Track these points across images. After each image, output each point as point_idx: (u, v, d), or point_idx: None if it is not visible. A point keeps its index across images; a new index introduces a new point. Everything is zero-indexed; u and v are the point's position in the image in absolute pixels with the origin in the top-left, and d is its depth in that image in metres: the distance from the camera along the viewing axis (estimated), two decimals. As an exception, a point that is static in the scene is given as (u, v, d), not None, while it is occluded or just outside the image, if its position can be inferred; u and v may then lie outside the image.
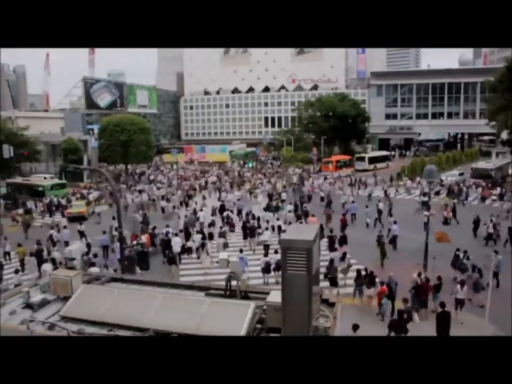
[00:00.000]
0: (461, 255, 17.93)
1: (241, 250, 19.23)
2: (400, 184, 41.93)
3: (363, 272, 16.26)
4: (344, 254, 19.27)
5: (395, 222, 23.08)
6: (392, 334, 12.07)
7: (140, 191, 39.86)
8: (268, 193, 35.94)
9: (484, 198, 35.07)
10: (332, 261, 17.60)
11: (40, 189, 38.13)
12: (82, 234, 24.22)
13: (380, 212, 27.56)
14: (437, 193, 35.95)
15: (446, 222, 26.87)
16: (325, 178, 45.34)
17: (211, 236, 23.24)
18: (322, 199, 34.53)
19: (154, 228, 24.01)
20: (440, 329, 12.52)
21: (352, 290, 16.32)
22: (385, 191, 36.94)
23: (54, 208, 34.38)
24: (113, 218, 23.42)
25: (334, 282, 16.72)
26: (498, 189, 37.39)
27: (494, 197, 36.03)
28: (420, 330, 13.37)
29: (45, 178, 44.15)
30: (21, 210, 33.29)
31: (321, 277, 14.31)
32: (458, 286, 14.78)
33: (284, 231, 20.95)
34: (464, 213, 28.68)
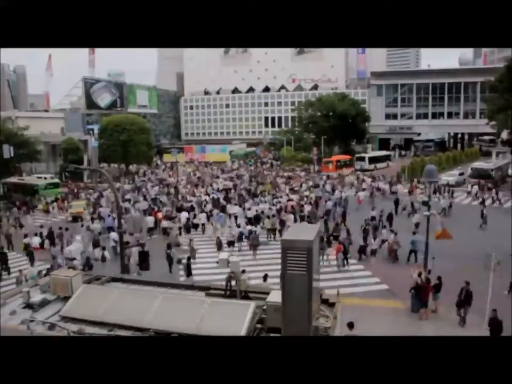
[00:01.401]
0: None
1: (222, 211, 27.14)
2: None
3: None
4: None
5: (335, 204, 29.21)
6: None
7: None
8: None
9: (410, 192, 33.32)
10: None
11: (35, 188, 38.54)
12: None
13: None
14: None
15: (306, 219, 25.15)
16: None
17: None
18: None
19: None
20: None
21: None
22: (483, 200, 30.24)
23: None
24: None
25: None
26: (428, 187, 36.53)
27: (421, 190, 33.96)
28: (420, 330, 13.38)
29: (45, 178, 44.22)
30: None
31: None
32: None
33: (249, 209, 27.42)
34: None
